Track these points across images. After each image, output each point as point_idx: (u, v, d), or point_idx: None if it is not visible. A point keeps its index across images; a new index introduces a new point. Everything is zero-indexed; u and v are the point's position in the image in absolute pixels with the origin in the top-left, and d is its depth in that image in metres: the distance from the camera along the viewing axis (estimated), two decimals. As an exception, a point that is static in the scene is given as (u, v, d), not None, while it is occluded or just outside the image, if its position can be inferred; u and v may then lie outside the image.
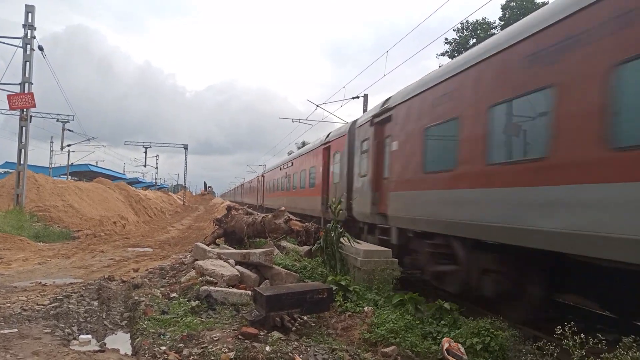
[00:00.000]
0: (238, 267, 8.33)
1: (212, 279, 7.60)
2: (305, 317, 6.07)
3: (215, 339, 5.24)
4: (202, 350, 4.93)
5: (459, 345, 5.22)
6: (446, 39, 39.88)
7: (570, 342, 4.13)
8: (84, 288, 8.28)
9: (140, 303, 6.89)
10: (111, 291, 8.20)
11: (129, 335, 6.17)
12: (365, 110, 22.75)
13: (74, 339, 5.70)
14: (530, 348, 4.99)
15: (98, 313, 6.93)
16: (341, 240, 8.85)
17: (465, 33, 39.12)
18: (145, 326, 5.78)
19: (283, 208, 12.12)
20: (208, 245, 11.40)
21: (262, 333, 5.45)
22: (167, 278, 9.14)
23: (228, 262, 8.45)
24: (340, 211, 10.41)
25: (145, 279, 8.97)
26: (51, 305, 6.93)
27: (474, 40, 37.14)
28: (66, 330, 5.95)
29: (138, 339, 5.50)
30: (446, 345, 5.12)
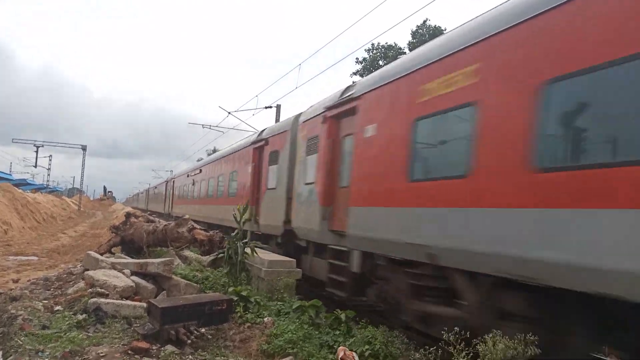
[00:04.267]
0: (134, 277, 7.90)
1: (103, 290, 7.12)
2: (203, 330, 5.89)
3: (101, 354, 4.91)
4: (85, 367, 4.61)
5: (354, 354, 5.36)
6: (357, 58, 41.53)
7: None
8: (-52, 301, 7.33)
9: (17, 317, 6.23)
10: (-17, 304, 7.34)
11: (0, 353, 5.56)
12: (277, 120, 24.26)
13: None
14: (419, 355, 5.32)
15: (-36, 329, 6.16)
16: (246, 250, 8.76)
17: (376, 53, 40.94)
18: (21, 342, 5.25)
19: (187, 216, 11.74)
20: (102, 254, 10.67)
21: (154, 347, 5.21)
22: (52, 290, 8.39)
23: (123, 273, 7.98)
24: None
25: (26, 291, 8.15)
26: None
27: (384, 61, 38.99)
28: None
29: (11, 357, 4.99)
30: (341, 354, 5.24)
